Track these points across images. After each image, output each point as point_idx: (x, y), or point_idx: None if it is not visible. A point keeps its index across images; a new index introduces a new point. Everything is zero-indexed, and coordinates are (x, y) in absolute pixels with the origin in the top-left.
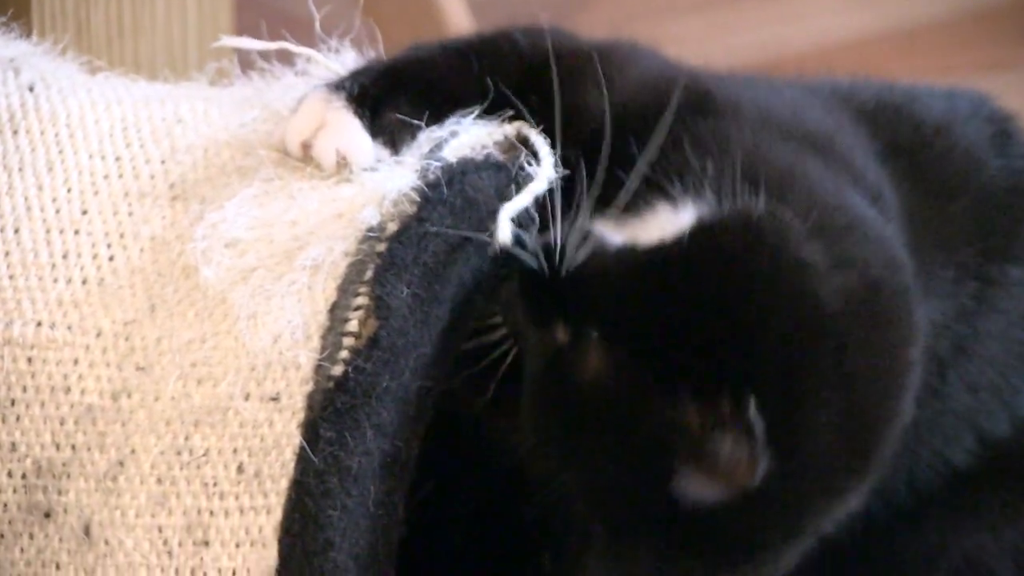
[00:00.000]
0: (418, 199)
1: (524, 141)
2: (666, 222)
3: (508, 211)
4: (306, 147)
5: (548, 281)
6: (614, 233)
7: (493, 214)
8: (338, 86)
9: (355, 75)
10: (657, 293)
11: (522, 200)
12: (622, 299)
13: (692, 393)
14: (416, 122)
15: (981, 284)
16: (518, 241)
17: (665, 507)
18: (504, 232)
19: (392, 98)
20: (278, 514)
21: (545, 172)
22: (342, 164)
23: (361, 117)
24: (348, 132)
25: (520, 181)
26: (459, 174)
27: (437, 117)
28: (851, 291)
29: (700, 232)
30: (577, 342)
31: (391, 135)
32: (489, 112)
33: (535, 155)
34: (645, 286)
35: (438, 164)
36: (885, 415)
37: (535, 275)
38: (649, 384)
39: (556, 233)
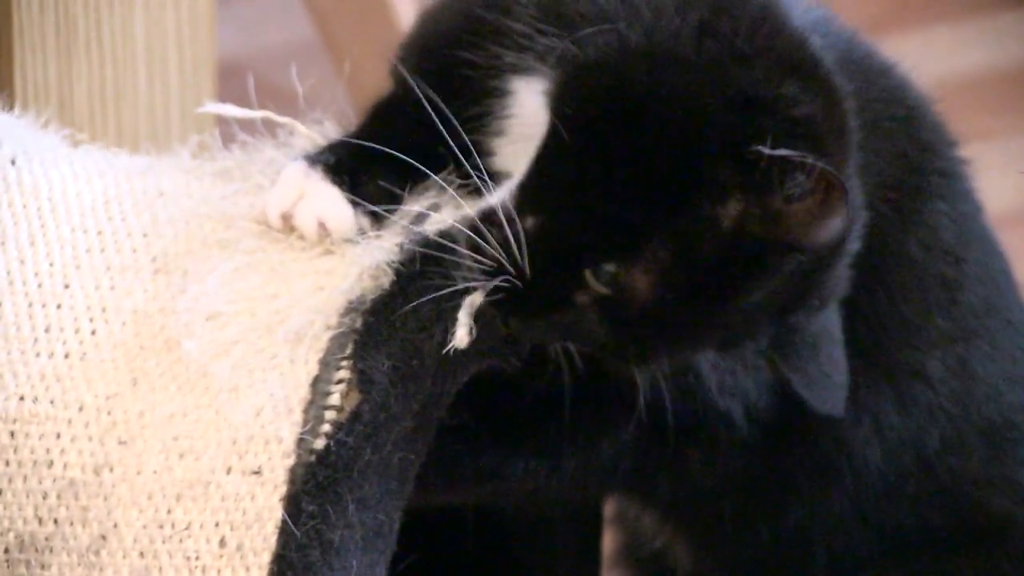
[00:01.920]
0: (395, 273)
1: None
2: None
3: (467, 310)
4: (286, 218)
5: (527, 277)
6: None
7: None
8: (315, 158)
9: (332, 147)
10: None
11: (477, 298)
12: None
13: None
14: (397, 190)
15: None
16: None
17: None
18: (461, 336)
19: (369, 166)
20: None
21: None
22: (323, 234)
23: (340, 186)
24: (328, 201)
25: None
26: (436, 248)
27: (417, 179)
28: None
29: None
30: (608, 282)
31: (372, 203)
32: None
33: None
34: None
35: (417, 238)
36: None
37: (513, 289)
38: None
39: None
